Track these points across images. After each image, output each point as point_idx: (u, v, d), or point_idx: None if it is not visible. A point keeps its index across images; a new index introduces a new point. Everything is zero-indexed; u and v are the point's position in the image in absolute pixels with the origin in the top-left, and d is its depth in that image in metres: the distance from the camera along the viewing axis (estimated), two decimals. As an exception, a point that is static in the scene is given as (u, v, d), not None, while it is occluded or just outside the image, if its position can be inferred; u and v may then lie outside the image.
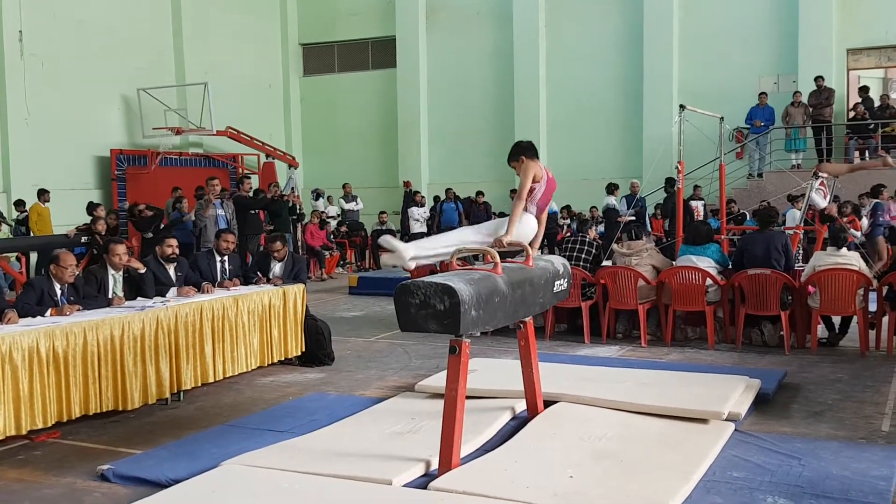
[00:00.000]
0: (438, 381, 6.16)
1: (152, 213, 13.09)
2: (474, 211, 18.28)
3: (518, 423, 5.63)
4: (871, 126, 17.08)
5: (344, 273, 16.60)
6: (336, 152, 22.98)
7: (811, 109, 17.13)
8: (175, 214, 13.32)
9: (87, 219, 12.52)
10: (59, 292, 6.39)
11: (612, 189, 16.86)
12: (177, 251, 7.61)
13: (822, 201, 11.16)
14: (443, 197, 18.91)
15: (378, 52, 22.87)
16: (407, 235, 18.18)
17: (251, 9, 21.88)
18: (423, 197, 19.01)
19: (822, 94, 17.20)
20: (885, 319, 8.02)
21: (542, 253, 5.57)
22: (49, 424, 5.53)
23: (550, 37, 20.56)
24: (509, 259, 5.29)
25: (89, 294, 6.65)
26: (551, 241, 15.87)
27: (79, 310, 6.22)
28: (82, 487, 4.76)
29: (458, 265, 4.98)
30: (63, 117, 16.73)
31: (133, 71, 18.20)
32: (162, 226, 13.07)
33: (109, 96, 18.07)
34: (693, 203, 15.69)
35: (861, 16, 17.88)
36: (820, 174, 10.95)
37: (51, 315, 6.04)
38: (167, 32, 19.53)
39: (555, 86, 20.57)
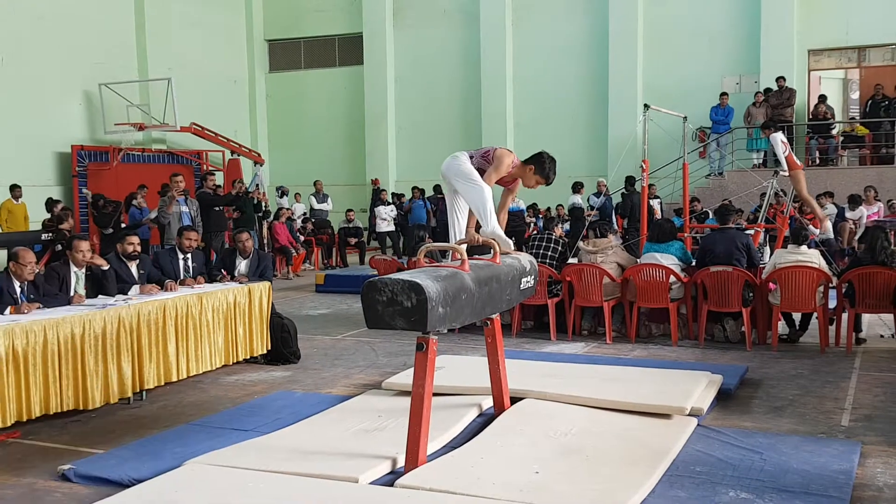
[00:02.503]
0: (405, 378, 6.17)
1: (111, 207, 12.90)
2: (441, 209, 18.28)
3: (485, 420, 5.64)
4: (833, 127, 17.40)
5: (311, 270, 16.51)
6: (303, 149, 22.87)
7: (772, 109, 17.38)
8: (134, 212, 13.06)
9: (48, 215, 12.32)
10: (18, 290, 6.28)
11: (577, 188, 17.01)
12: (138, 248, 7.51)
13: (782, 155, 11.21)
14: (409, 195, 18.89)
15: (345, 49, 22.78)
16: (374, 234, 18.15)
17: (216, 3, 21.67)
18: (389, 194, 18.96)
19: (784, 95, 17.48)
20: (845, 316, 8.16)
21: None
22: (9, 424, 5.43)
23: (517, 35, 20.65)
24: (477, 256, 5.31)
25: (49, 292, 6.55)
26: (518, 238, 15.93)
27: (39, 308, 6.12)
28: (43, 488, 4.69)
29: (426, 262, 4.98)
30: (23, 112, 16.44)
31: (94, 66, 17.93)
32: (122, 223, 12.85)
33: (70, 91, 17.79)
34: (650, 201, 15.85)
35: (822, 17, 18.19)
36: (781, 172, 11.10)
37: (10, 313, 5.93)
38: (129, 27, 19.26)
39: (521, 84, 20.67)
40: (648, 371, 6.77)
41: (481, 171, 5.32)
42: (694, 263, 8.81)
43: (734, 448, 5.03)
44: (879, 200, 14.72)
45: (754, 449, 4.99)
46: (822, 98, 17.59)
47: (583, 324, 9.12)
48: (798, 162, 11.34)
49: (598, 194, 16.60)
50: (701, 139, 18.03)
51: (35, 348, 5.56)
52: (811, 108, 17.96)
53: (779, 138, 11.00)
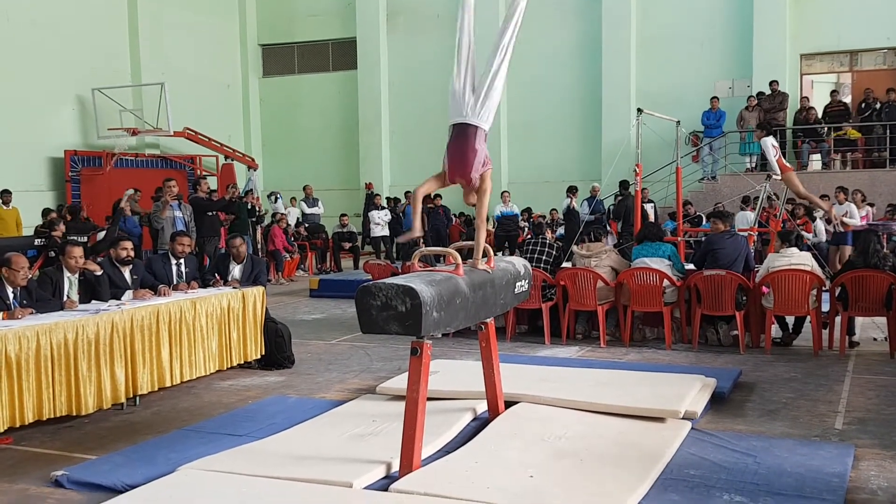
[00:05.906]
0: (399, 382, 6.16)
1: (108, 221, 12.81)
2: (433, 214, 18.27)
3: (479, 424, 5.64)
4: (824, 130, 17.44)
5: (305, 275, 16.48)
6: (297, 154, 22.86)
7: (765, 113, 17.43)
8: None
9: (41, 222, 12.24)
10: (11, 295, 6.26)
11: (572, 191, 17.04)
12: (132, 253, 7.49)
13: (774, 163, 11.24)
14: (402, 200, 18.89)
15: (339, 54, 22.78)
16: (368, 238, 18.13)
17: (209, 8, 21.64)
18: (384, 199, 18.96)
19: (776, 99, 17.53)
20: (838, 319, 8.18)
21: (503, 255, 5.58)
22: (1, 430, 5.41)
23: (510, 40, 20.64)
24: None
25: (42, 297, 6.53)
26: (512, 243, 15.99)
27: (31, 313, 6.10)
28: (36, 494, 4.67)
29: (420, 266, 4.98)
30: (16, 118, 16.39)
31: (88, 71, 17.90)
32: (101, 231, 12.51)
33: (64, 96, 17.75)
34: (644, 205, 15.88)
35: (814, 22, 18.27)
36: (774, 176, 11.15)
37: (2, 319, 5.91)
38: (123, 32, 19.24)
39: (515, 89, 20.64)
40: (642, 375, 6.78)
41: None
42: (693, 263, 8.82)
43: (728, 451, 5.03)
44: (871, 204, 14.75)
45: (748, 452, 5.00)
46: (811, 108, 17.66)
47: (577, 328, 9.12)
48: (788, 165, 11.39)
49: (591, 199, 16.64)
50: (694, 143, 18.07)
51: (28, 354, 5.54)
52: (804, 112, 18.01)
53: (769, 142, 11.03)
